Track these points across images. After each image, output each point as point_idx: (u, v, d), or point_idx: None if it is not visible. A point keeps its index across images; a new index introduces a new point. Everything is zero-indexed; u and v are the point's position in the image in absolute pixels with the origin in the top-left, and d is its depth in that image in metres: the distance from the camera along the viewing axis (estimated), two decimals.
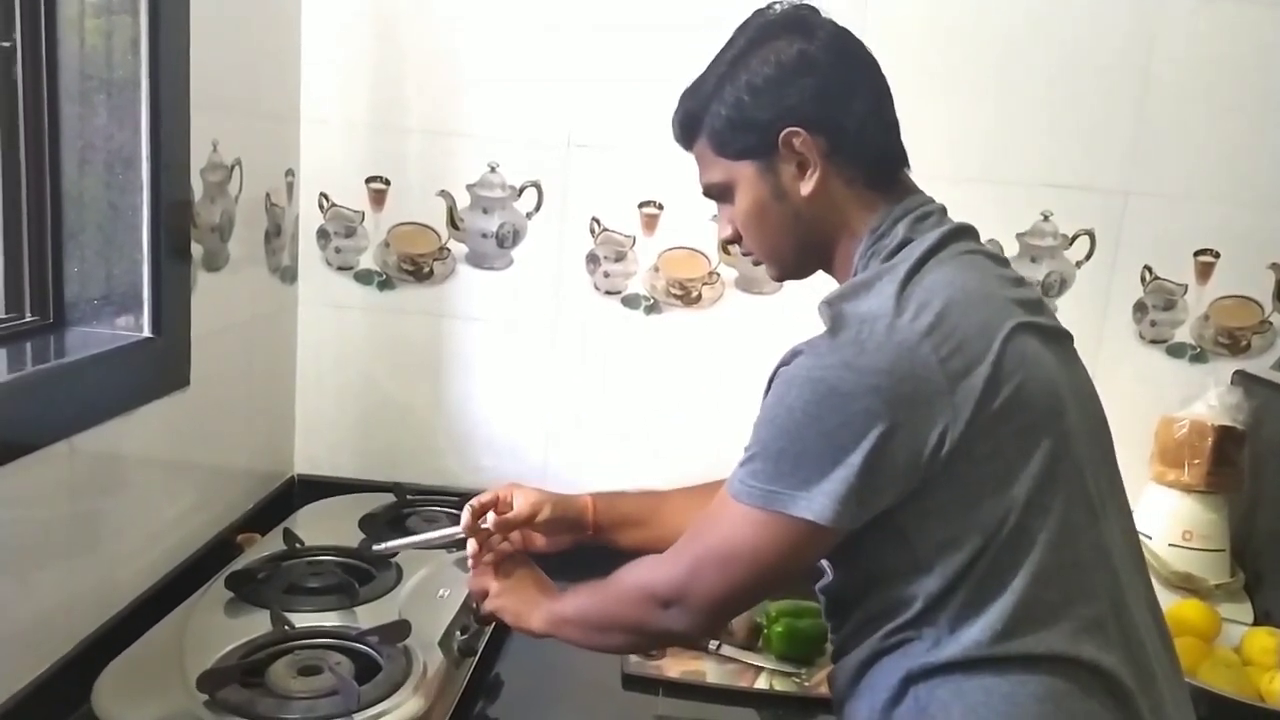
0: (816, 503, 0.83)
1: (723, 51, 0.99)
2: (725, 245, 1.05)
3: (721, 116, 0.97)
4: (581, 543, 1.20)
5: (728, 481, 0.90)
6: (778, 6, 0.99)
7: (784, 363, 0.88)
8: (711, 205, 1.05)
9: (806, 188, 0.95)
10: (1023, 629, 0.84)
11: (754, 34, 0.97)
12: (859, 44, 0.98)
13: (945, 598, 0.85)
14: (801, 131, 0.94)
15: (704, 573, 0.91)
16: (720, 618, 0.96)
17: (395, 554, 1.34)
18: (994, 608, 0.84)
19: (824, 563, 0.95)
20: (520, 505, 1.16)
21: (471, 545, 1.15)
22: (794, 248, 1.00)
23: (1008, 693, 0.84)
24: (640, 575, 0.98)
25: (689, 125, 1.01)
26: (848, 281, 0.95)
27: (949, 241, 0.92)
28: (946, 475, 0.83)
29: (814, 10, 0.99)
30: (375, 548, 1.31)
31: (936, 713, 0.85)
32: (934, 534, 0.85)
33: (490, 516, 1.16)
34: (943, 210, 0.98)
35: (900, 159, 0.99)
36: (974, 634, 0.84)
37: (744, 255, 1.05)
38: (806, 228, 0.98)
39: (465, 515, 1.16)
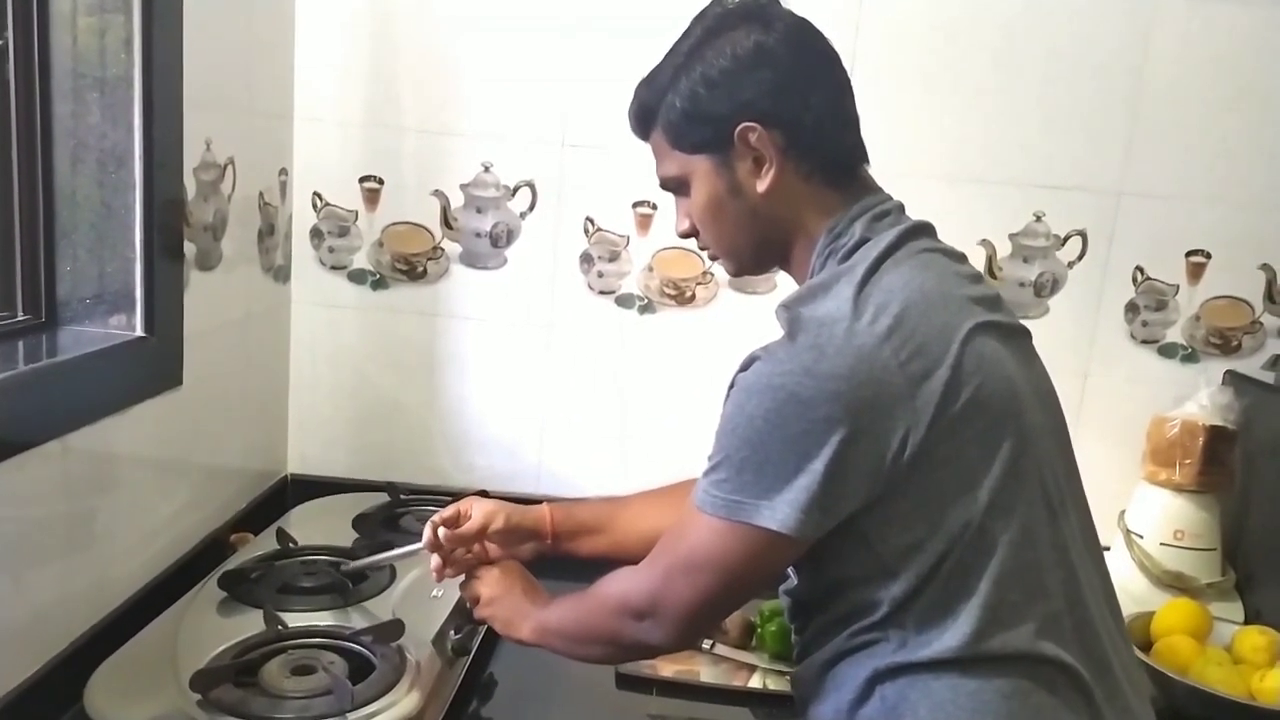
0: (780, 512, 0.83)
1: (679, 42, 0.97)
2: (682, 238, 1.04)
3: (677, 109, 0.94)
4: (543, 553, 1.19)
5: (693, 491, 0.89)
6: None
7: (742, 369, 0.88)
8: None
9: (763, 184, 0.93)
10: (990, 631, 0.84)
11: (711, 24, 0.95)
12: (819, 35, 0.95)
13: (910, 601, 0.85)
14: (758, 127, 0.91)
15: (674, 583, 0.91)
16: (694, 628, 0.95)
17: (365, 572, 1.33)
18: (961, 611, 0.84)
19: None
20: (474, 518, 1.15)
21: (435, 560, 1.15)
22: (750, 244, 0.98)
23: (974, 690, 0.84)
24: (615, 586, 0.98)
25: (644, 117, 0.98)
26: (805, 284, 0.93)
27: (906, 240, 0.91)
28: (909, 480, 0.83)
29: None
30: (344, 568, 1.32)
31: (905, 711, 0.85)
32: (898, 539, 0.85)
33: (442, 531, 1.14)
34: (900, 208, 0.96)
35: (859, 155, 0.97)
36: (944, 639, 0.84)
37: (701, 249, 1.04)
38: (763, 224, 0.96)
39: (426, 531, 1.15)
